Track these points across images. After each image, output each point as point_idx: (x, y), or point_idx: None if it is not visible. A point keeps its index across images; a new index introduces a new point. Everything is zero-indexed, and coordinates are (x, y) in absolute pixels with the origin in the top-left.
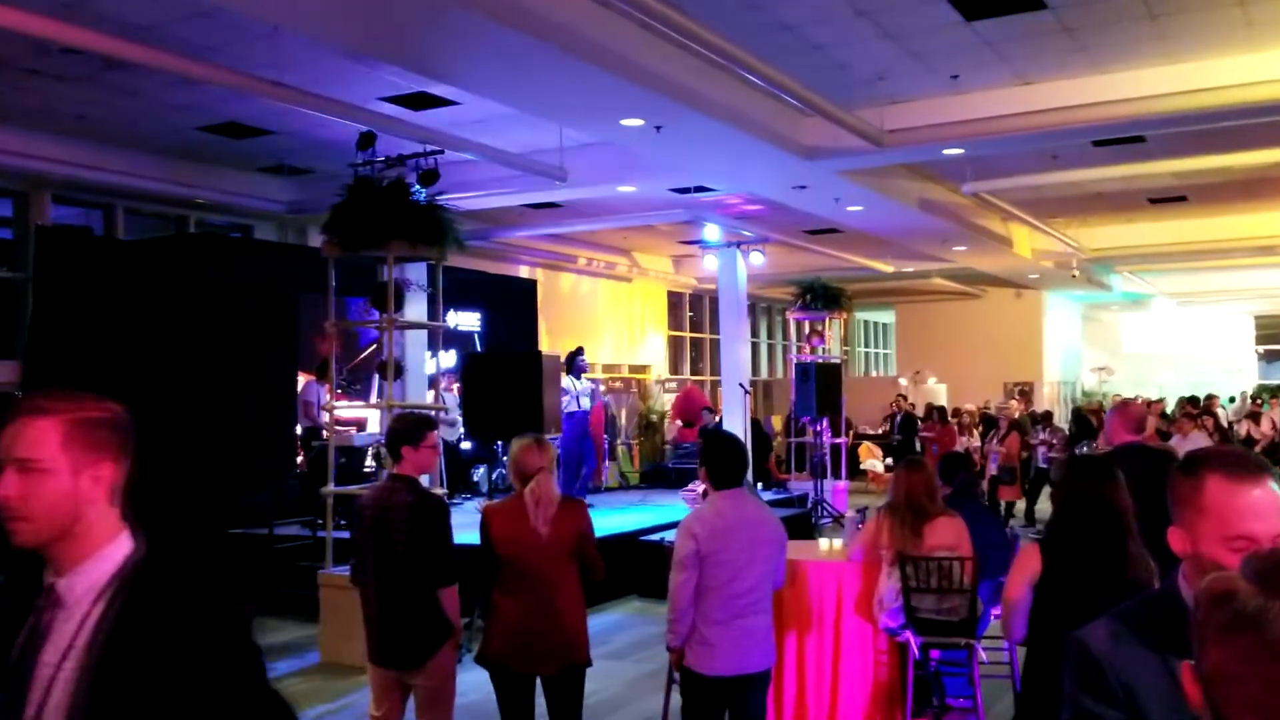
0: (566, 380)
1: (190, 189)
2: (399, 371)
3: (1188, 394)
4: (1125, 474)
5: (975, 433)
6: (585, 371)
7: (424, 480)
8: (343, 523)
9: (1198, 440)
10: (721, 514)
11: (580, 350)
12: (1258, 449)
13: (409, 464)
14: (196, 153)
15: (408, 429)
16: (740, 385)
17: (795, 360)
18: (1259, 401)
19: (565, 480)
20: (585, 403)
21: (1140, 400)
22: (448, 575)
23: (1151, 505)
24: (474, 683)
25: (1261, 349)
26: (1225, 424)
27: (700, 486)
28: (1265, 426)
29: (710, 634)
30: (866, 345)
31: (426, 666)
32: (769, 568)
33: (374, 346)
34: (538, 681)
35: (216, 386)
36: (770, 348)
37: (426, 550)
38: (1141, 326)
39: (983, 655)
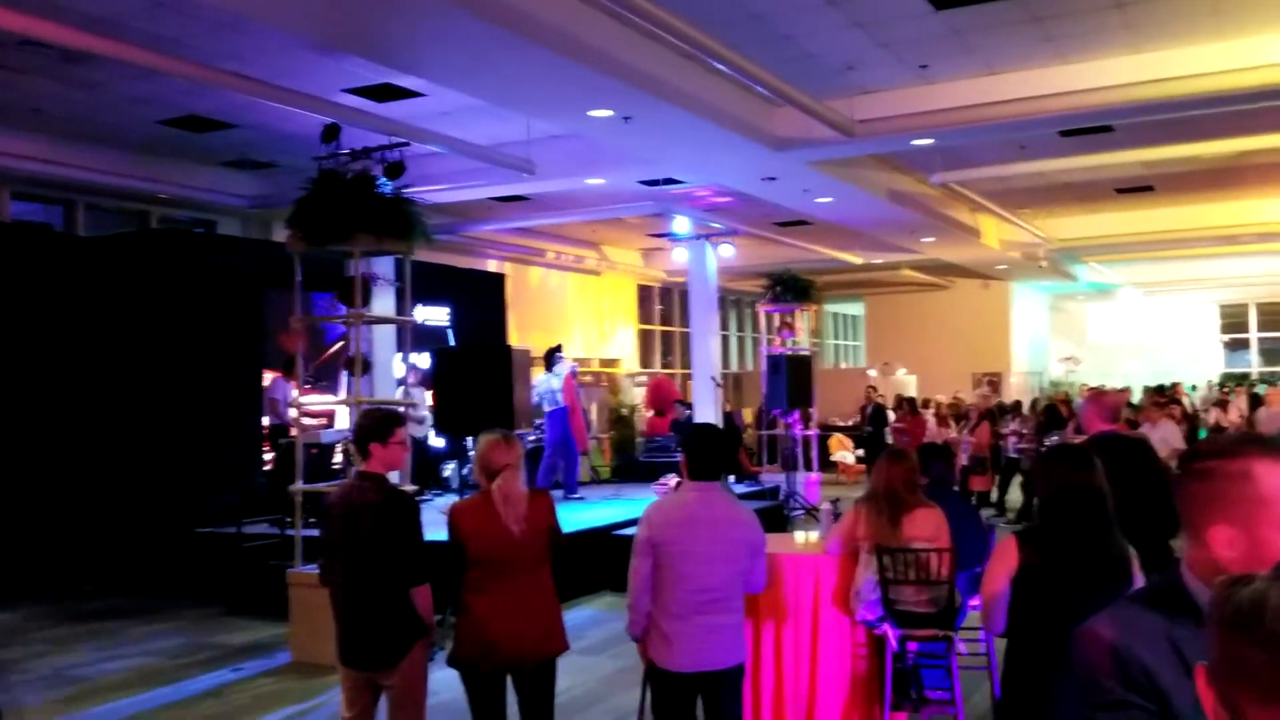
0: (543, 378)
1: (152, 184)
2: (366, 367)
3: (1153, 383)
4: (1103, 463)
5: (953, 424)
6: (571, 370)
7: (393, 477)
8: (312, 521)
9: (1167, 429)
10: (683, 504)
11: (559, 348)
12: None
13: (377, 461)
14: (158, 147)
15: (376, 425)
16: (711, 378)
17: (766, 353)
18: (1226, 390)
19: (544, 476)
20: (558, 386)
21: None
22: (419, 574)
23: (1128, 493)
24: (446, 681)
25: (1226, 338)
26: (1191, 412)
27: (674, 480)
28: (1233, 414)
29: (667, 628)
30: (836, 337)
31: (399, 666)
32: (737, 569)
33: (341, 342)
34: (508, 680)
35: (181, 384)
36: (741, 340)
37: (397, 548)
38: (1107, 316)
39: (961, 647)
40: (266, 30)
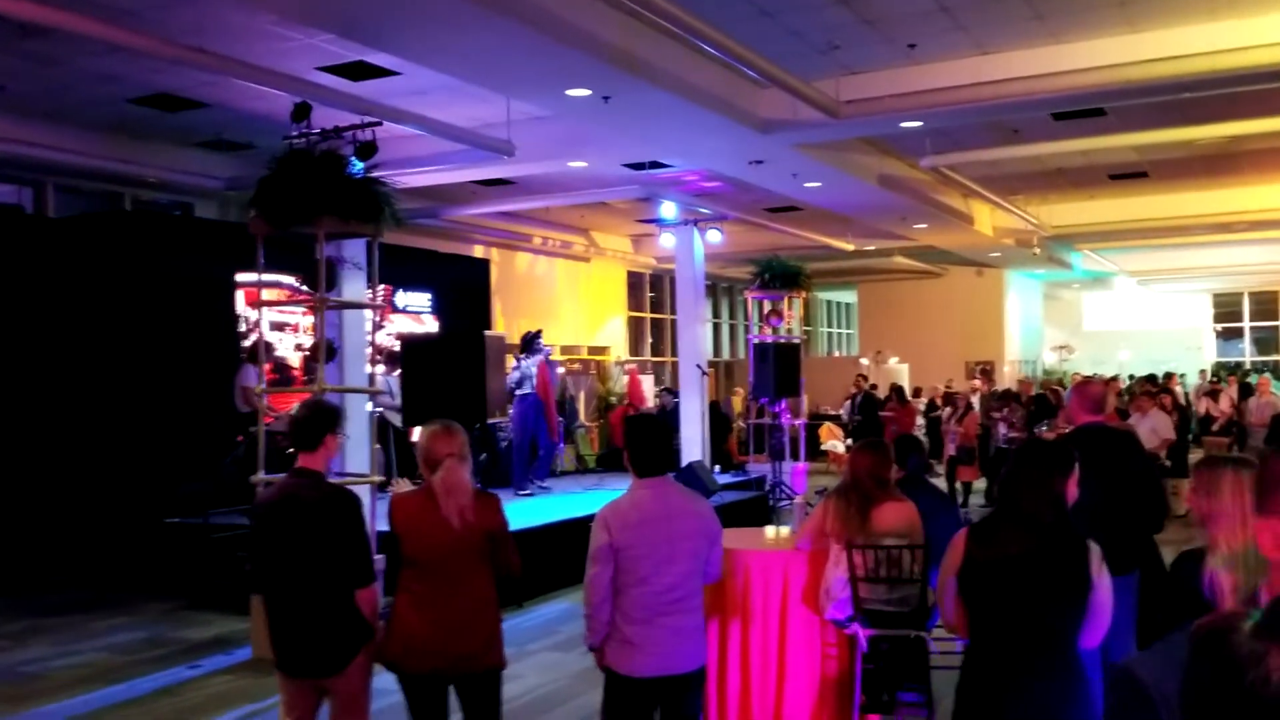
0: (525, 363)
1: (125, 165)
2: (331, 353)
3: (1147, 371)
4: (1085, 456)
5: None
6: (541, 358)
7: (358, 464)
8: None
9: (1157, 419)
10: (638, 505)
11: (538, 333)
12: (1216, 426)
13: (325, 453)
14: (129, 127)
15: (331, 413)
16: (697, 367)
17: (753, 341)
18: (1217, 379)
19: (517, 467)
20: (533, 374)
21: (1098, 378)
22: (364, 575)
23: (1110, 487)
24: (394, 680)
25: (1219, 326)
26: (1183, 402)
27: None
28: (1224, 404)
29: (630, 633)
30: (829, 325)
31: (345, 672)
32: (696, 564)
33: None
34: (449, 688)
35: (153, 370)
36: (731, 328)
37: (340, 549)
38: (1102, 305)
39: (934, 648)
40: (235, 4)
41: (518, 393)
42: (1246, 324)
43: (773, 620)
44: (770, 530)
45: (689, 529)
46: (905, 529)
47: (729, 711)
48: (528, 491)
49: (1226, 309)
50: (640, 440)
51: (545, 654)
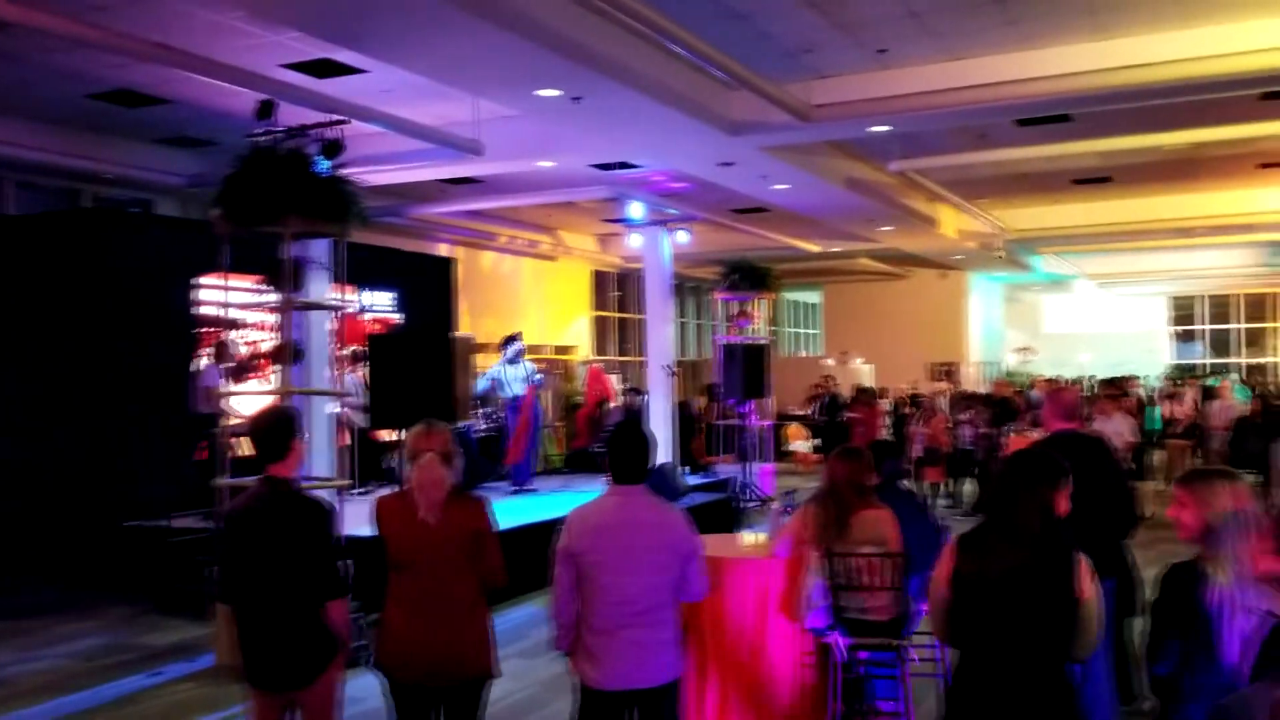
0: (498, 366)
1: (84, 161)
2: (298, 355)
3: (1106, 374)
4: None
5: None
6: (519, 356)
7: (321, 468)
8: None
9: (1120, 422)
10: (602, 511)
11: (517, 335)
12: (1178, 429)
13: (294, 460)
14: (89, 122)
15: (293, 419)
16: (665, 367)
17: (720, 341)
18: (1179, 382)
19: (515, 469)
20: (519, 389)
21: (1066, 384)
22: (335, 587)
23: (1083, 494)
24: (370, 687)
25: (1176, 329)
26: (1145, 404)
27: None
28: (1186, 407)
29: (591, 644)
30: (794, 326)
31: (315, 685)
32: (664, 578)
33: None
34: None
35: (112, 370)
36: (699, 328)
37: (309, 561)
38: (1062, 307)
39: (912, 655)
40: (202, 0)
41: (504, 396)
42: (1204, 327)
43: (750, 628)
44: (747, 537)
45: (653, 541)
46: (884, 536)
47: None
48: (531, 488)
49: (1183, 312)
50: (617, 447)
51: (513, 660)
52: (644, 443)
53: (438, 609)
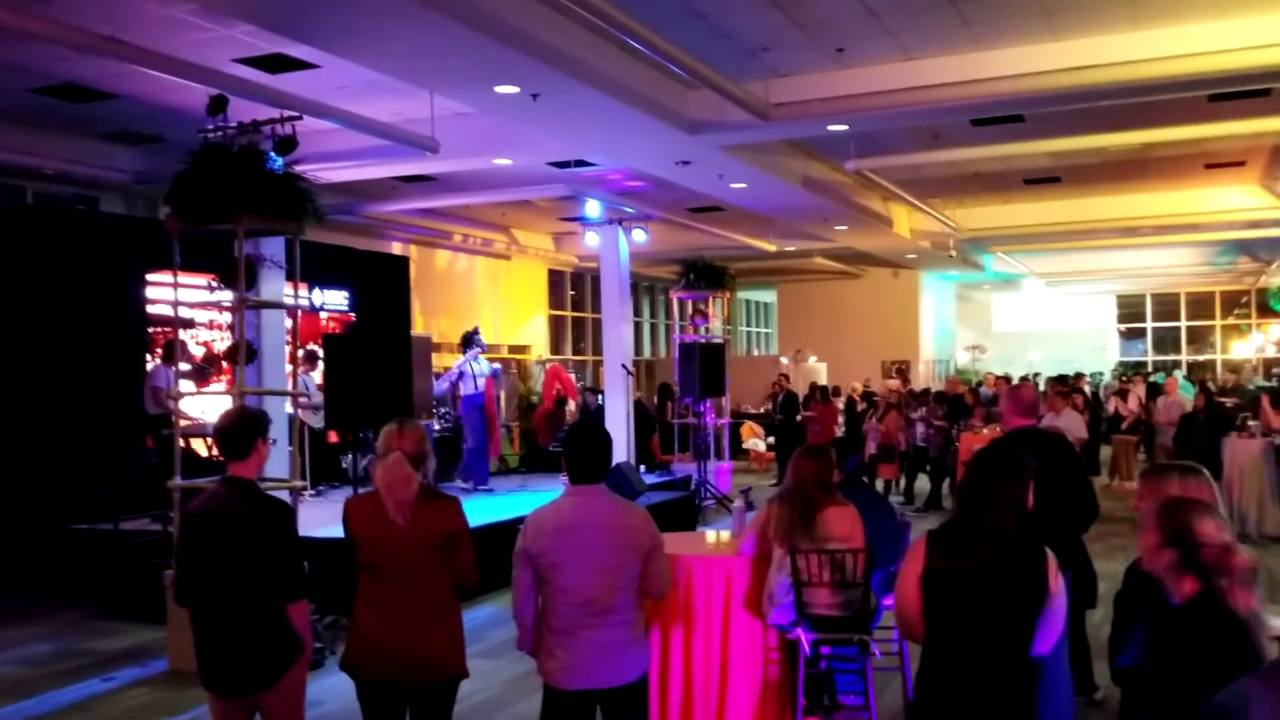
0: (460, 361)
1: (27, 157)
2: (251, 355)
3: (1055, 371)
4: None
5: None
6: (480, 351)
7: (280, 470)
8: None
9: (1070, 418)
10: (559, 512)
11: (475, 330)
12: (1125, 425)
13: (256, 461)
14: (32, 117)
15: (258, 420)
16: (622, 366)
17: (678, 340)
18: (1126, 379)
19: (478, 465)
20: (478, 383)
21: (1004, 378)
22: (297, 589)
23: (1046, 490)
24: (333, 689)
25: (1123, 327)
26: (1093, 401)
27: None
28: (1132, 403)
29: (552, 643)
30: (749, 324)
31: (277, 687)
32: (625, 577)
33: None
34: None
35: (57, 370)
36: (654, 327)
37: (272, 562)
38: (1011, 306)
39: (875, 651)
40: None
41: (463, 393)
42: (1149, 324)
43: (715, 626)
44: (711, 535)
45: (613, 541)
46: (848, 533)
47: (670, 717)
48: (488, 488)
49: (1130, 310)
50: (574, 446)
51: (476, 661)
52: (603, 442)
53: (408, 610)
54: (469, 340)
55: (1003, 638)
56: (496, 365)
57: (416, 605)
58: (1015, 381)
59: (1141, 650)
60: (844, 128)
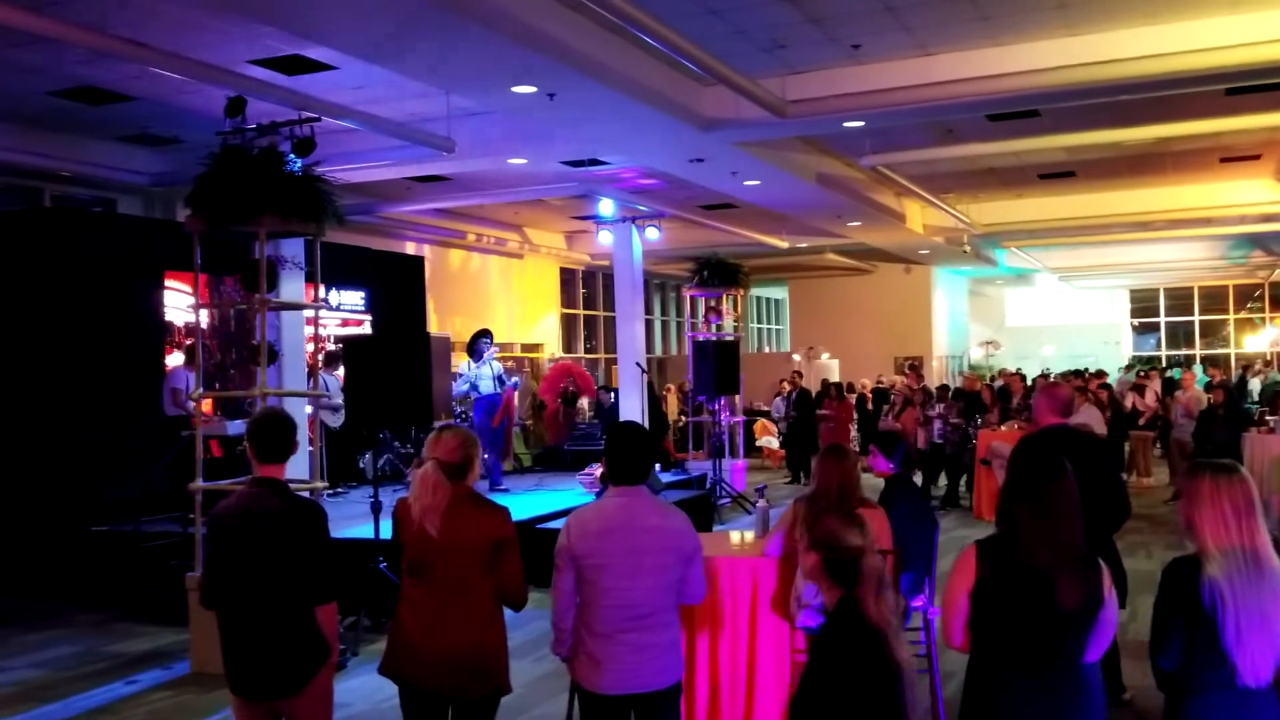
0: (468, 364)
1: (45, 159)
2: (273, 356)
3: (1069, 366)
4: None
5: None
6: (486, 355)
7: (301, 470)
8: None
9: (1089, 413)
10: (603, 514)
11: (482, 333)
12: (1142, 420)
13: (281, 465)
14: (50, 120)
15: (293, 423)
16: (637, 364)
17: (693, 338)
18: (1143, 374)
19: (491, 469)
20: (486, 387)
21: (1018, 374)
22: (327, 591)
23: (1080, 490)
24: (357, 691)
25: (1135, 321)
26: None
27: (599, 469)
28: (1149, 398)
29: (593, 647)
30: (760, 321)
31: (304, 692)
32: (667, 580)
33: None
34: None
35: (76, 372)
36: (665, 324)
37: (302, 564)
38: (1024, 301)
39: None
40: None
41: (475, 395)
42: (1162, 319)
43: (742, 627)
44: (735, 536)
45: (656, 543)
46: (876, 535)
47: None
48: (503, 488)
49: (1143, 304)
50: (616, 448)
51: None
52: (644, 442)
53: (449, 618)
54: (477, 348)
55: (1057, 645)
56: (516, 379)
57: (457, 613)
58: (1035, 378)
59: (1180, 652)
60: (860, 124)
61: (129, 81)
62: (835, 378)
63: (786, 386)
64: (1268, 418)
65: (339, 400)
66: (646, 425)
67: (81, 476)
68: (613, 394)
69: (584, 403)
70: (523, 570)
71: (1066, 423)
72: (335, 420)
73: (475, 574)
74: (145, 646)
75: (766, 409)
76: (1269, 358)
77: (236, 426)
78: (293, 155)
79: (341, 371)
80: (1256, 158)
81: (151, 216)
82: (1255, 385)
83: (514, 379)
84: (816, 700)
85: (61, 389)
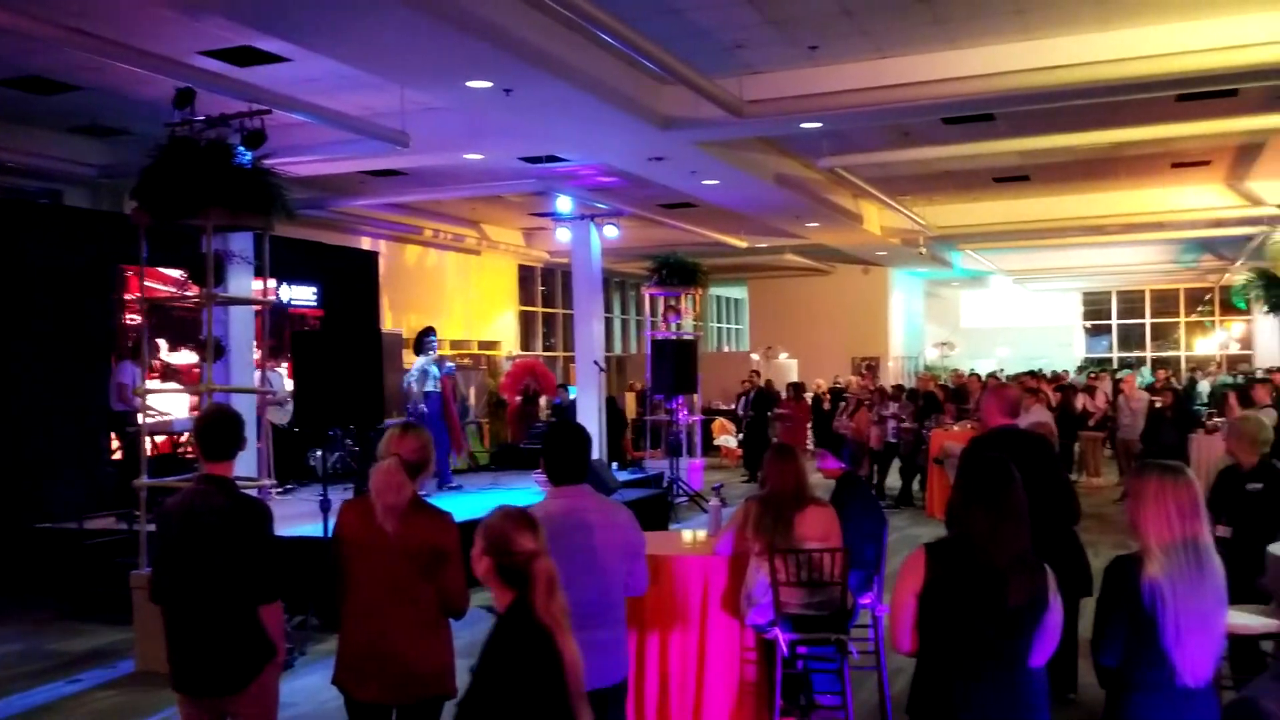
0: (420, 361)
1: None
2: (219, 351)
3: (1023, 367)
4: None
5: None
6: (434, 352)
7: (249, 466)
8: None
9: (1038, 414)
10: (550, 516)
11: (430, 330)
12: (1092, 421)
13: (229, 464)
14: None
15: (241, 421)
16: (595, 363)
17: (651, 337)
18: (1093, 375)
19: (443, 464)
20: (434, 384)
21: (974, 375)
22: (271, 590)
23: (1028, 491)
24: (306, 690)
25: (1088, 324)
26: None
27: None
28: (1099, 400)
29: None
30: (719, 321)
31: (248, 691)
32: (613, 577)
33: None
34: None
35: (20, 366)
36: (624, 323)
37: (247, 563)
38: (979, 303)
39: (853, 651)
40: None
41: (427, 390)
42: (1114, 321)
43: (692, 625)
44: (688, 534)
45: (605, 541)
46: (826, 533)
47: (647, 718)
48: (455, 485)
49: (1095, 307)
50: (554, 447)
51: None
52: (582, 441)
53: (394, 622)
54: (424, 344)
55: (1002, 648)
56: (451, 364)
57: (402, 617)
58: (986, 378)
59: (1122, 649)
60: (817, 125)
61: (78, 71)
62: (794, 377)
63: (747, 385)
64: (1215, 419)
65: (284, 394)
66: (604, 424)
67: (25, 472)
68: (570, 390)
69: (542, 401)
70: (464, 579)
71: (1016, 424)
72: (283, 416)
73: (419, 578)
74: (88, 645)
75: (726, 408)
76: (1219, 360)
77: (182, 423)
78: (242, 148)
79: (285, 367)
80: (1206, 163)
81: (99, 209)
82: (1205, 387)
83: (449, 365)
84: (485, 698)
85: (5, 383)
